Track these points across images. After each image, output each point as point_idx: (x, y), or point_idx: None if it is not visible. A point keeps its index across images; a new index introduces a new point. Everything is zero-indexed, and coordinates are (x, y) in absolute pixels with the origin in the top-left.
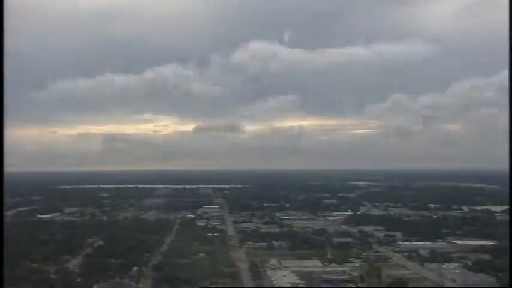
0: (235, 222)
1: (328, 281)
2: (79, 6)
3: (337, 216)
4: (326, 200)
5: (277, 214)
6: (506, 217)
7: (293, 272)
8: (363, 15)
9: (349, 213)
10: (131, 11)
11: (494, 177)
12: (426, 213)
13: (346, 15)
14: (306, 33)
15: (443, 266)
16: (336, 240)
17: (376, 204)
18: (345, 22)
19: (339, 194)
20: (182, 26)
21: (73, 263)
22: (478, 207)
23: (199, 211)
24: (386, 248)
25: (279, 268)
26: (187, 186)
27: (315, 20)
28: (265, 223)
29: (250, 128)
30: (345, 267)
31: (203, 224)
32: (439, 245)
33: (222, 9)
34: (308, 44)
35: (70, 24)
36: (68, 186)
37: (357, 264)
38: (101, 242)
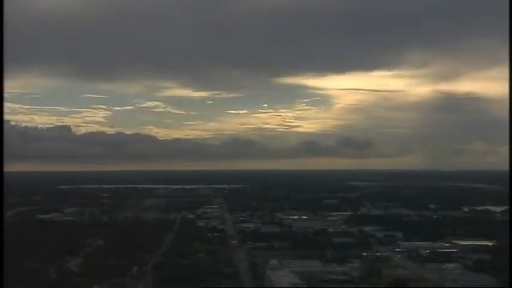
0: (235, 222)
1: (328, 281)
2: None
3: (337, 216)
4: (326, 200)
5: (277, 214)
6: (506, 217)
7: (293, 272)
8: None
9: (349, 213)
10: None
11: (494, 177)
12: (426, 213)
13: None
14: None
15: (443, 266)
16: (336, 240)
17: (376, 204)
18: None
19: (339, 194)
20: None
21: (73, 263)
22: (478, 207)
23: (199, 211)
24: (387, 248)
25: (279, 268)
26: (187, 186)
27: None
28: (265, 223)
29: None
30: (345, 267)
31: (203, 224)
32: (439, 245)
33: None
34: None
35: None
36: (68, 186)
37: (356, 265)
38: (101, 242)
